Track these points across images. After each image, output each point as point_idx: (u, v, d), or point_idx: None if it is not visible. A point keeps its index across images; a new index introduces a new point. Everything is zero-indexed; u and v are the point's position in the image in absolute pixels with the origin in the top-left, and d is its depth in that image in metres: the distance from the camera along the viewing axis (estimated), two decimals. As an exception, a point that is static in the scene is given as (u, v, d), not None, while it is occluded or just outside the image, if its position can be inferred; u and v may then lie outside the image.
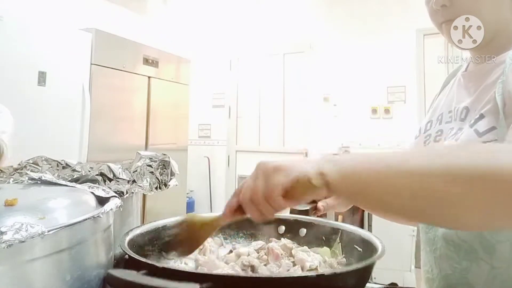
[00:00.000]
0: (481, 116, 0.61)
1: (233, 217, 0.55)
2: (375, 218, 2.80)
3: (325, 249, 0.72)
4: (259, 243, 0.73)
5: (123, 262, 0.64)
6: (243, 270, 0.63)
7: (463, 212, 0.41)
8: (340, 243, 0.72)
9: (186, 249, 0.62)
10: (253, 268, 0.63)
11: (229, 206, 0.54)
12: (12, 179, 0.63)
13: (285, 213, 0.80)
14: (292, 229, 0.77)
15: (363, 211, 2.95)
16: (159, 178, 0.74)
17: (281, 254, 0.67)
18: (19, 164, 0.70)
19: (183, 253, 0.63)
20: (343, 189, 0.46)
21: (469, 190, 0.40)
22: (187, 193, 4.08)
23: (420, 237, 0.73)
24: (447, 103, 0.75)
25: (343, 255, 0.70)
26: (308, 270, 0.62)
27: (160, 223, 0.72)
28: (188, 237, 0.61)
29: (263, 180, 0.49)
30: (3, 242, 0.37)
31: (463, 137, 0.63)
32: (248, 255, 0.68)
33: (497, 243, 0.59)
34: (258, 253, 0.69)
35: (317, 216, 0.83)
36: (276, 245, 0.71)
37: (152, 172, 0.73)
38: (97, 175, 0.69)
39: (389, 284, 0.70)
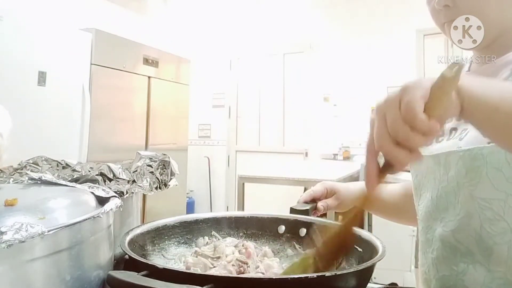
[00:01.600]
0: None
1: (378, 182, 0.46)
2: (375, 218, 2.80)
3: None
4: (234, 241, 0.73)
5: (123, 262, 0.63)
6: (240, 267, 0.63)
7: None
8: None
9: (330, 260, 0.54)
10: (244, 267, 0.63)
11: (371, 172, 0.46)
12: (12, 179, 0.63)
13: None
14: (292, 229, 0.77)
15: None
16: (159, 178, 0.74)
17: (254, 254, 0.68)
18: (19, 164, 0.70)
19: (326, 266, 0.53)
20: (473, 97, 0.43)
21: None
22: (187, 193, 4.09)
23: (419, 238, 0.73)
24: None
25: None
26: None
27: (160, 223, 0.72)
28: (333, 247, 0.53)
29: (395, 107, 0.42)
30: (3, 242, 0.37)
31: (469, 138, 0.62)
32: (233, 253, 0.68)
33: (494, 245, 0.58)
34: (238, 251, 0.69)
35: (317, 216, 0.83)
36: (252, 244, 0.71)
37: (152, 172, 0.73)
38: (97, 175, 0.69)
39: (389, 284, 0.70)
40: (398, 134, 0.41)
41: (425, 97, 0.41)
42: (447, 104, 0.43)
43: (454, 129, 0.68)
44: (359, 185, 0.92)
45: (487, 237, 0.59)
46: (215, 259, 0.65)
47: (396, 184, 0.93)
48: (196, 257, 0.67)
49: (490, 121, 0.45)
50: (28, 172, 0.64)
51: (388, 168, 0.45)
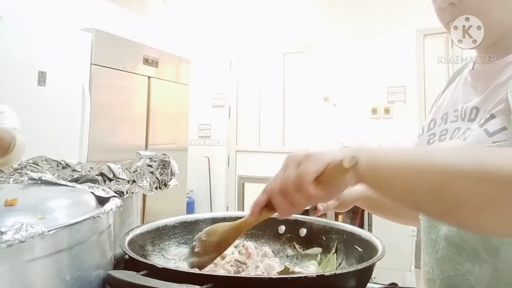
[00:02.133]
0: (492, 116, 0.60)
1: (260, 216, 0.54)
2: (375, 218, 2.80)
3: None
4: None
5: (123, 262, 0.63)
6: (238, 267, 0.63)
7: (488, 214, 0.42)
8: (335, 254, 0.71)
9: (206, 259, 0.59)
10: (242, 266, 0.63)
11: (257, 203, 0.53)
12: (12, 179, 0.63)
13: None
14: (292, 229, 0.77)
15: (363, 211, 2.95)
16: (159, 178, 0.74)
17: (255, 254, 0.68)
18: (19, 164, 0.70)
19: (202, 264, 0.60)
20: (369, 177, 0.48)
21: (496, 193, 0.41)
22: (187, 193, 4.08)
23: (421, 237, 0.72)
24: (452, 102, 0.73)
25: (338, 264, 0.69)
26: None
27: (160, 223, 0.72)
28: (209, 247, 0.59)
29: (294, 168, 0.49)
30: (3, 242, 0.37)
31: (472, 137, 0.61)
32: (232, 253, 0.68)
33: (501, 245, 0.58)
34: (239, 251, 0.69)
35: (317, 216, 0.83)
36: (252, 245, 0.71)
37: (152, 172, 0.73)
38: (97, 175, 0.69)
39: (389, 284, 0.70)
40: (285, 190, 0.49)
41: (317, 172, 0.48)
42: (337, 182, 0.49)
43: (458, 128, 0.67)
44: (361, 185, 0.92)
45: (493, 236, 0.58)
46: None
47: None
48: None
49: (385, 190, 0.50)
50: (28, 172, 0.64)
51: (271, 209, 0.52)
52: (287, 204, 0.50)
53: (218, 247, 0.59)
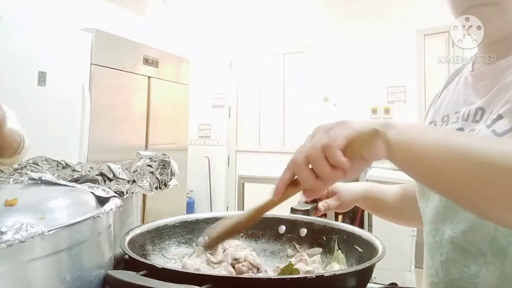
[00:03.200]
0: (499, 117, 0.59)
1: (285, 194, 0.51)
2: (375, 218, 2.80)
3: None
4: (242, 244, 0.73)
5: (123, 262, 0.63)
6: (249, 269, 0.63)
7: None
8: (339, 250, 0.71)
9: (216, 237, 0.57)
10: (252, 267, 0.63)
11: (282, 180, 0.50)
12: (12, 179, 0.63)
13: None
14: (292, 229, 0.77)
15: (363, 211, 2.95)
16: (159, 178, 0.74)
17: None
18: (19, 164, 0.70)
19: (211, 242, 0.58)
20: (399, 150, 0.47)
21: None
22: (187, 193, 4.08)
23: (425, 240, 0.71)
24: (453, 103, 0.72)
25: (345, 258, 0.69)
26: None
27: (160, 222, 0.72)
28: (225, 227, 0.57)
29: (323, 134, 0.48)
30: (3, 242, 0.37)
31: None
32: (245, 260, 0.67)
33: (509, 246, 0.57)
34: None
35: (318, 216, 0.83)
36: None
37: (152, 172, 0.73)
38: (97, 175, 0.69)
39: (389, 284, 0.69)
40: (312, 156, 0.47)
41: (348, 137, 0.47)
42: (365, 152, 0.48)
43: (460, 129, 0.66)
44: (361, 186, 0.92)
45: (501, 238, 0.57)
46: (217, 263, 0.65)
47: (394, 186, 0.92)
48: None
49: (415, 168, 0.49)
50: (28, 172, 0.64)
51: (296, 185, 0.50)
52: (312, 175, 0.47)
53: (233, 228, 0.57)
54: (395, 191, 0.90)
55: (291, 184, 0.50)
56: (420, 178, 0.52)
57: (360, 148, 0.47)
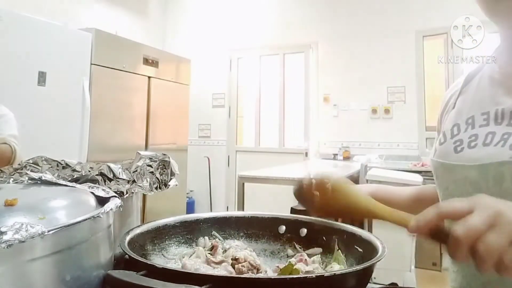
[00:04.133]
0: None
1: (424, 231, 0.46)
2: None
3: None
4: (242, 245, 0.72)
5: (123, 262, 0.63)
6: (248, 269, 0.63)
7: None
8: (339, 250, 0.71)
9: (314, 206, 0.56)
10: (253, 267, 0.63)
11: (427, 220, 0.45)
12: (12, 179, 0.63)
13: None
14: (292, 229, 0.77)
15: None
16: (159, 178, 0.74)
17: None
18: (19, 164, 0.70)
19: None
20: None
21: None
22: (187, 193, 4.09)
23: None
24: (477, 105, 0.67)
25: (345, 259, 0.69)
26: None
27: (160, 222, 0.72)
28: (330, 202, 0.56)
29: (500, 231, 0.41)
30: (3, 242, 0.37)
31: None
32: (245, 260, 0.67)
33: None
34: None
35: (318, 217, 0.82)
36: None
37: (152, 172, 0.73)
38: (97, 175, 0.69)
39: (389, 284, 0.69)
40: (489, 253, 0.40)
41: None
42: None
43: (492, 133, 0.61)
44: (367, 188, 0.90)
45: None
46: (217, 263, 0.65)
47: (407, 188, 0.88)
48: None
49: None
50: (28, 172, 0.64)
51: (439, 238, 0.44)
52: (486, 263, 0.41)
53: (340, 210, 0.55)
54: (407, 193, 0.87)
55: (435, 233, 0.45)
56: None
57: None
